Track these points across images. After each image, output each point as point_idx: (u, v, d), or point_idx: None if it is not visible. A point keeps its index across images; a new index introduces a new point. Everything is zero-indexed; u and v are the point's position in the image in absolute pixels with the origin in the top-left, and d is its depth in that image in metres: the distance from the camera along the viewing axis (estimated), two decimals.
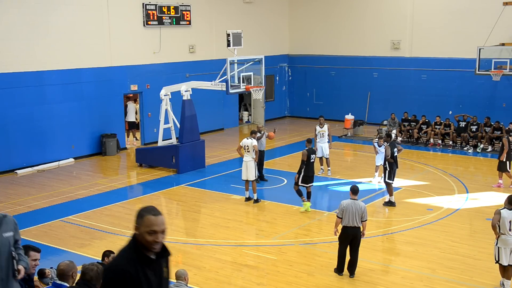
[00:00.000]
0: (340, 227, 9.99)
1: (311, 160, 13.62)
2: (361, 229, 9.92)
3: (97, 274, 5.54)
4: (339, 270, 10.15)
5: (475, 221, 13.15)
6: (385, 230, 12.69)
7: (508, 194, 9.76)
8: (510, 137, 15.44)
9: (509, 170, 15.44)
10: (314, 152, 13.88)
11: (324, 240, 11.85)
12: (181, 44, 22.94)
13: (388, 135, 14.72)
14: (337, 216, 9.99)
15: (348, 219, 9.80)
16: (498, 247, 9.32)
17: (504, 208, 9.32)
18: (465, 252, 11.15)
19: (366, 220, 9.91)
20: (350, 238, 9.91)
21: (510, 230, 9.20)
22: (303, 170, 13.50)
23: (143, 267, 3.52)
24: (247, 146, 14.26)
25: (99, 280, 5.48)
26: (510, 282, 9.53)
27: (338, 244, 10.14)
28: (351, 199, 9.96)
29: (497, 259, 9.40)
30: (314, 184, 13.89)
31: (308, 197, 13.80)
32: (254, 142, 14.31)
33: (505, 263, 9.34)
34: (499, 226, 9.26)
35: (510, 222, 9.20)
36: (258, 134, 15.68)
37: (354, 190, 10.06)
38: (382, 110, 24.97)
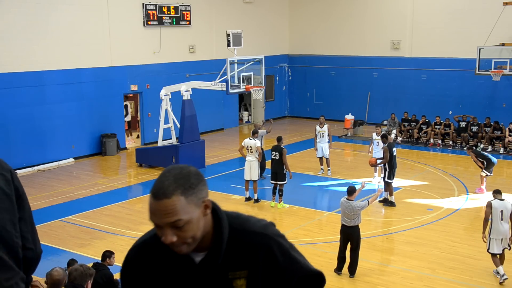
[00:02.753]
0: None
1: (272, 157, 13.90)
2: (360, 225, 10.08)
3: (81, 274, 5.56)
4: (337, 268, 10.18)
5: (475, 221, 13.14)
6: (385, 230, 12.69)
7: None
8: (473, 152, 15.42)
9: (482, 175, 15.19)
10: (275, 149, 13.89)
11: (324, 240, 11.85)
12: (181, 44, 22.94)
13: (384, 136, 14.66)
14: None
15: (342, 217, 10.02)
16: (490, 238, 9.66)
17: (495, 199, 9.76)
18: (465, 252, 11.15)
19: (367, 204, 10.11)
20: (345, 236, 10.01)
21: (502, 219, 9.59)
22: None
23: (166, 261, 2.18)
24: (250, 146, 14.27)
25: (83, 279, 5.51)
26: (502, 267, 9.81)
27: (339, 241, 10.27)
28: (346, 198, 10.08)
29: (488, 248, 9.75)
30: (313, 184, 13.90)
31: (279, 194, 13.92)
32: (258, 143, 14.32)
33: (496, 251, 9.66)
34: (491, 218, 9.65)
35: (501, 212, 9.62)
36: (261, 131, 16.03)
37: (349, 191, 10.17)
38: (382, 110, 24.97)
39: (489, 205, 9.72)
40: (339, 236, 10.17)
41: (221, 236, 2.13)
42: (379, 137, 15.63)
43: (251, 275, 2.16)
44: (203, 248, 2.14)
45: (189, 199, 1.99)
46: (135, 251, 2.27)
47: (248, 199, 14.54)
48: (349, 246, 10.07)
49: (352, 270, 10.07)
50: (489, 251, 9.75)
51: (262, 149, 15.87)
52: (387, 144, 14.14)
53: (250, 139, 14.39)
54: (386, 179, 14.10)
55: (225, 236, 2.13)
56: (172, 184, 1.99)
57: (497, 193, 9.94)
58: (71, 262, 7.91)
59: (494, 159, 15.04)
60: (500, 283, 9.67)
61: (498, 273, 9.78)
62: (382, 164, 14.09)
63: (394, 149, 14.11)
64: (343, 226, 9.99)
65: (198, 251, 2.14)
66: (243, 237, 2.16)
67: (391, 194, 14.10)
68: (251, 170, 14.25)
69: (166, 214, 1.98)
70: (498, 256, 9.73)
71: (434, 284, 9.79)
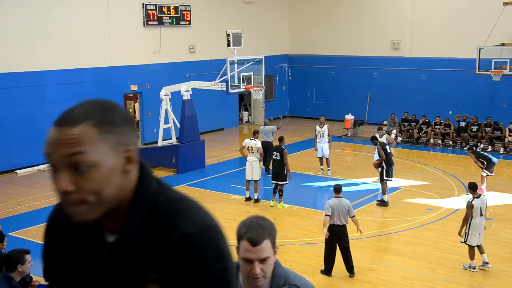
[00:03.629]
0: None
1: (273, 157, 13.91)
2: (356, 226, 10.09)
3: None
4: (327, 271, 10.11)
5: None
6: (385, 230, 12.69)
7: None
8: (472, 153, 15.45)
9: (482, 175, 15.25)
10: (276, 150, 13.90)
11: (324, 240, 11.83)
12: (181, 44, 22.93)
13: (374, 138, 14.67)
14: (325, 214, 9.96)
15: (336, 218, 9.86)
16: (470, 233, 10.04)
17: (474, 198, 10.14)
18: (465, 252, 11.11)
19: (354, 216, 9.97)
20: (337, 236, 9.95)
21: (481, 215, 10.07)
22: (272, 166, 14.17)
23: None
24: (251, 147, 14.26)
25: None
26: (485, 255, 10.28)
27: (325, 245, 10.12)
28: (335, 197, 10.03)
29: (465, 240, 10.12)
30: (314, 184, 13.90)
31: (279, 194, 13.94)
32: (259, 144, 14.33)
33: (474, 244, 10.06)
34: (471, 215, 10.06)
35: (480, 208, 10.06)
36: (271, 127, 16.90)
37: (337, 189, 10.19)
38: (382, 110, 24.96)
39: (470, 206, 10.04)
40: (328, 238, 10.00)
41: (133, 209, 1.55)
42: (382, 139, 15.65)
43: (164, 283, 1.55)
44: (118, 229, 1.59)
45: (104, 136, 1.47)
46: (54, 211, 1.78)
47: (248, 199, 14.54)
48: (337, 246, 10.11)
49: (350, 269, 10.08)
50: (467, 243, 10.12)
51: (272, 143, 16.05)
52: (379, 143, 14.18)
53: (251, 139, 14.38)
54: (384, 177, 14.05)
55: (140, 212, 1.55)
56: (85, 112, 1.48)
57: (474, 190, 10.30)
58: None
59: (494, 159, 15.04)
60: (465, 268, 10.23)
61: (470, 267, 10.23)
62: (381, 163, 14.07)
63: (387, 147, 14.15)
64: (335, 227, 9.87)
65: (111, 231, 1.60)
66: (164, 228, 1.55)
67: (384, 193, 14.04)
68: (253, 170, 14.25)
69: (65, 144, 1.43)
70: (474, 248, 10.17)
71: (434, 284, 9.79)
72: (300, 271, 10.20)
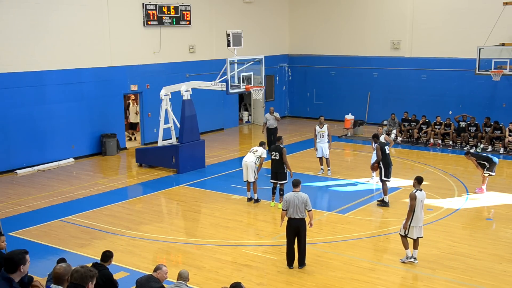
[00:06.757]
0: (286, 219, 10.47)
1: (272, 157, 14.04)
2: (308, 220, 10.38)
3: (81, 275, 5.56)
4: (288, 263, 10.45)
5: (475, 221, 13.15)
6: (384, 230, 12.68)
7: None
8: (472, 156, 15.44)
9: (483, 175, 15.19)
10: (275, 150, 14.01)
11: (324, 240, 11.85)
12: (181, 44, 22.94)
13: (375, 136, 14.67)
14: (282, 209, 10.39)
15: (292, 211, 10.18)
16: (411, 226, 10.34)
17: (417, 190, 10.42)
18: (465, 252, 11.15)
19: (311, 210, 10.33)
20: (294, 229, 10.26)
21: (422, 208, 10.39)
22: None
23: None
24: (257, 150, 14.32)
25: (84, 281, 5.52)
26: (417, 252, 10.61)
27: (286, 237, 10.45)
28: (293, 191, 10.31)
29: (406, 234, 10.42)
30: (313, 184, 13.89)
31: (280, 194, 14.01)
32: (264, 154, 14.37)
33: (414, 237, 10.42)
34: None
35: (421, 201, 10.38)
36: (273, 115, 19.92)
37: (295, 183, 10.50)
38: (382, 110, 24.98)
39: (414, 197, 10.35)
40: (286, 231, 10.36)
41: None
42: (380, 138, 15.65)
43: None
44: None
45: None
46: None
47: (250, 199, 14.55)
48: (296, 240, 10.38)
49: (302, 260, 10.41)
50: (409, 236, 10.40)
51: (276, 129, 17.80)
52: (378, 143, 14.18)
53: (260, 146, 14.52)
54: (383, 178, 14.05)
55: None
56: None
57: (419, 183, 10.56)
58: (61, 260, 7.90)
59: (495, 159, 15.05)
60: (402, 262, 10.55)
61: (407, 258, 10.56)
62: (377, 163, 14.07)
63: (386, 147, 14.13)
64: (293, 220, 10.20)
65: None
66: None
67: (385, 194, 14.03)
68: (248, 171, 14.25)
69: None
70: (413, 241, 10.46)
71: (434, 284, 9.79)
72: (300, 271, 10.24)
